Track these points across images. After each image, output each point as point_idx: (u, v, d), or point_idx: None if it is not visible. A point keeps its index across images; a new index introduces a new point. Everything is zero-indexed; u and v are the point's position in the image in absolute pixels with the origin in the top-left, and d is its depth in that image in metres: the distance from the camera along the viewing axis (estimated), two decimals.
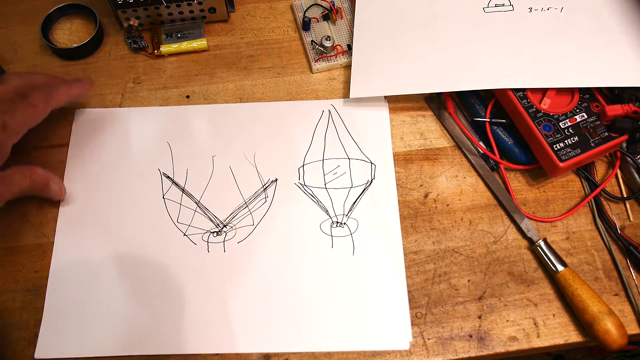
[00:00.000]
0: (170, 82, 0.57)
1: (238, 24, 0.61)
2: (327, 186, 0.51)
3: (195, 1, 0.56)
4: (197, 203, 0.51)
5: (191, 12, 0.58)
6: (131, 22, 0.56)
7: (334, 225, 0.50)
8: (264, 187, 0.51)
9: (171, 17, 0.58)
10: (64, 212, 0.50)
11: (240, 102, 0.56)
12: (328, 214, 0.50)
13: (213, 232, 0.50)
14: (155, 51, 0.58)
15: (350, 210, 0.50)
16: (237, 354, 0.45)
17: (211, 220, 0.50)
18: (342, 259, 0.49)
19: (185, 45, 0.58)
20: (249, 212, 0.51)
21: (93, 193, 0.51)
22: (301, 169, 0.52)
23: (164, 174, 0.52)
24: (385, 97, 0.56)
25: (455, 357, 0.45)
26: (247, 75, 0.58)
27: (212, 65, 0.58)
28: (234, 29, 0.60)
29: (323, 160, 0.53)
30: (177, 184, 0.52)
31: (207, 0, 0.57)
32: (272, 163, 0.53)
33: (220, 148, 0.53)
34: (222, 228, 0.50)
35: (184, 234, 0.50)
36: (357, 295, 0.47)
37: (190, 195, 0.51)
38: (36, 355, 0.45)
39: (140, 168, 0.52)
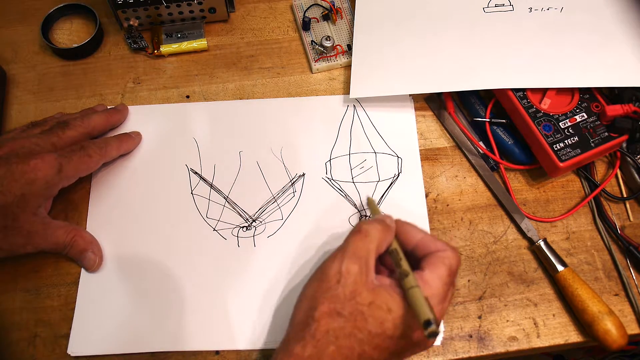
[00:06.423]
0: (170, 82, 0.57)
1: (238, 24, 0.61)
2: (354, 180, 0.52)
3: (195, 1, 0.56)
4: (226, 198, 0.51)
5: (191, 12, 0.58)
6: (131, 22, 0.56)
7: (363, 218, 0.50)
8: (292, 181, 0.52)
9: (171, 17, 0.58)
10: (92, 211, 0.51)
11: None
12: (356, 208, 0.51)
13: (243, 227, 0.50)
14: (155, 51, 0.58)
15: (378, 203, 0.51)
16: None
17: (240, 215, 0.51)
18: None
19: (185, 45, 0.58)
20: (278, 207, 0.51)
21: (121, 190, 0.52)
22: (328, 164, 0.53)
23: (192, 169, 0.52)
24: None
25: (455, 357, 0.45)
26: (247, 75, 0.58)
27: (212, 65, 0.58)
28: (234, 29, 0.60)
29: (349, 154, 0.53)
30: (205, 180, 0.52)
31: (207, 0, 0.57)
32: (298, 158, 0.53)
33: (246, 144, 0.54)
34: (252, 223, 0.50)
35: (214, 229, 0.50)
36: None
37: (218, 191, 0.51)
38: (69, 352, 0.45)
39: (167, 164, 0.53)
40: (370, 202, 0.49)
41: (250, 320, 0.46)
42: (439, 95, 0.56)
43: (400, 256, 0.40)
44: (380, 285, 0.38)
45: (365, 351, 0.37)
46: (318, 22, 0.60)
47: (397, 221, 0.43)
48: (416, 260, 0.41)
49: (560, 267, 0.47)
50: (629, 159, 0.52)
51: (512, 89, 0.51)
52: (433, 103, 0.56)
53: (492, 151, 0.52)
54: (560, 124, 0.50)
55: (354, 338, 0.36)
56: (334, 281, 0.38)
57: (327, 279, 0.38)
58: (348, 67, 0.57)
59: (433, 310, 0.35)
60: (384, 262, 0.43)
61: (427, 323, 0.34)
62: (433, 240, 0.41)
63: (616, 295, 0.48)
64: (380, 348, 0.37)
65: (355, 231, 0.41)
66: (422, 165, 0.53)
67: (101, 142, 0.50)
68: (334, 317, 0.37)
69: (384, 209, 0.51)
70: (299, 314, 0.39)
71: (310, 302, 0.38)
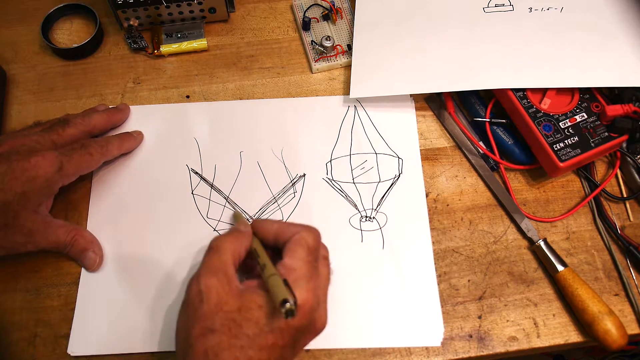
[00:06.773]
0: (170, 82, 0.57)
1: (238, 24, 0.61)
2: (355, 181, 0.52)
3: (195, 1, 0.56)
4: (227, 198, 0.51)
5: (191, 12, 0.58)
6: (131, 22, 0.56)
7: (363, 219, 0.50)
8: (293, 182, 0.52)
9: (171, 17, 0.58)
10: (93, 211, 0.51)
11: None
12: (357, 208, 0.51)
13: None
14: (155, 51, 0.58)
15: (378, 204, 0.51)
16: None
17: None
18: (371, 252, 0.49)
19: (185, 45, 0.58)
20: (278, 207, 0.51)
21: (122, 190, 0.52)
22: (329, 164, 0.53)
23: (192, 169, 0.52)
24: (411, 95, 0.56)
25: (455, 357, 0.45)
26: (247, 75, 0.58)
27: (212, 65, 0.58)
28: (234, 29, 0.60)
29: (350, 155, 0.53)
30: (205, 180, 0.52)
31: (207, 0, 0.57)
32: (299, 158, 0.53)
33: (247, 144, 0.54)
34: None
35: (214, 229, 0.50)
36: (387, 289, 0.47)
37: (219, 191, 0.51)
38: (69, 352, 0.45)
39: (167, 164, 0.53)
40: (236, 215, 0.49)
41: None
42: (439, 95, 0.56)
43: (258, 253, 0.41)
44: (246, 289, 0.38)
45: (252, 357, 0.36)
46: (318, 22, 0.60)
47: (254, 221, 0.45)
48: (281, 252, 0.42)
49: (560, 267, 0.47)
50: (629, 159, 0.52)
51: (512, 89, 0.51)
52: (433, 103, 0.56)
53: (492, 151, 0.52)
54: (560, 124, 0.50)
55: (234, 348, 0.36)
56: (197, 301, 0.37)
57: (191, 302, 0.38)
58: (348, 67, 0.57)
59: (292, 290, 0.36)
60: (252, 266, 0.44)
61: (284, 302, 0.34)
62: (287, 226, 0.42)
63: (616, 295, 0.48)
64: (267, 347, 0.36)
65: (207, 249, 0.41)
66: (422, 165, 0.53)
67: (102, 141, 0.49)
68: (207, 336, 0.36)
69: (386, 208, 0.51)
70: (177, 346, 0.39)
71: (184, 331, 0.38)
